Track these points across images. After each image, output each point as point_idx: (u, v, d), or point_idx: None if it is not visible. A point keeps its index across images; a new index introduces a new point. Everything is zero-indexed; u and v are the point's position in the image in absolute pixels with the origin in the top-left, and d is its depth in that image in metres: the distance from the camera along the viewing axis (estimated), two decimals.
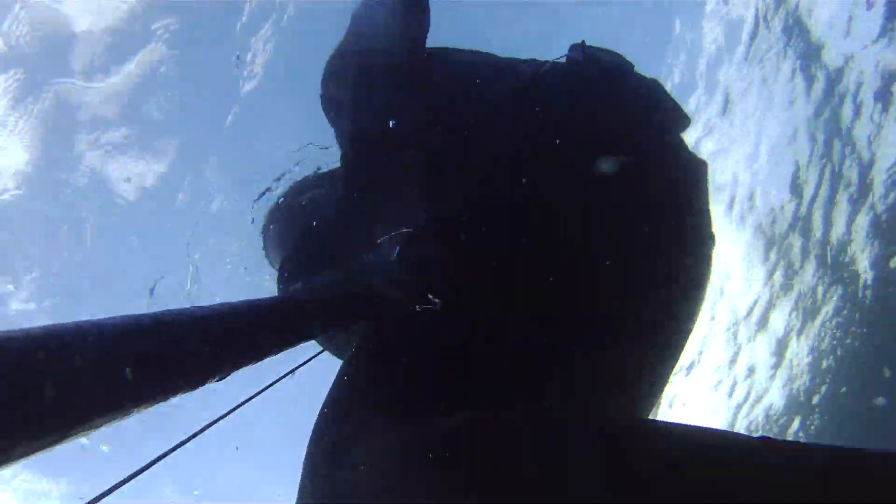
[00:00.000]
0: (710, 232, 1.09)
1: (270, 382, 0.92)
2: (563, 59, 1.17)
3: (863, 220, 7.45)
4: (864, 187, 7.22)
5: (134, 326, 0.54)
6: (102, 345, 0.51)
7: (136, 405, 0.54)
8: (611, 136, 1.04)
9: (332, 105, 1.38)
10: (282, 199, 1.79)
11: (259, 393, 0.85)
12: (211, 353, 0.60)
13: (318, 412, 0.97)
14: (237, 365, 0.65)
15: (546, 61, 1.18)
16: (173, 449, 0.70)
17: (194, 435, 0.73)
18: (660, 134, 1.09)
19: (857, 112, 6.76)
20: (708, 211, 1.10)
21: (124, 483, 0.62)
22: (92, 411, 0.50)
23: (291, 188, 1.83)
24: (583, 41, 1.16)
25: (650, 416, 1.03)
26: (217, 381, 0.65)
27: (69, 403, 0.48)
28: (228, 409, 0.84)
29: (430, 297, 0.92)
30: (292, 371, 0.95)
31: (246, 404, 0.85)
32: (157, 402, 0.56)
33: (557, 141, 1.03)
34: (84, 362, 0.49)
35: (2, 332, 0.45)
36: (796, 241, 7.92)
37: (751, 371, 8.74)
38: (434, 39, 1.28)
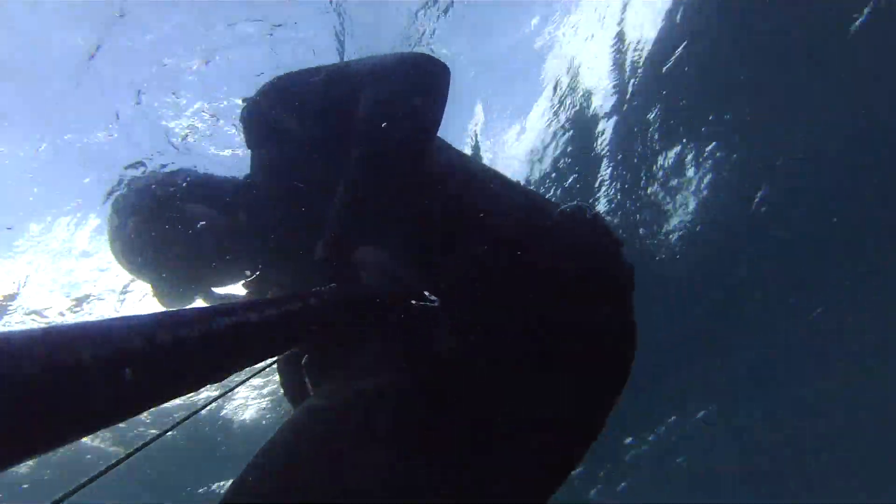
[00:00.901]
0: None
1: (239, 382, 0.90)
2: (574, 209, 1.21)
3: None
4: None
5: (136, 327, 0.53)
6: (103, 345, 0.50)
7: (135, 407, 0.53)
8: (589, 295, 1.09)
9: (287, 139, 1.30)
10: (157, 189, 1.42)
11: (227, 392, 0.84)
12: (213, 356, 0.60)
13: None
14: (236, 367, 0.64)
15: (560, 204, 1.21)
16: (138, 450, 0.69)
17: (160, 434, 0.72)
18: (618, 315, 1.14)
19: None
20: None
21: (89, 483, 0.61)
22: (91, 413, 0.49)
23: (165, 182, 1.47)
24: (595, 209, 1.26)
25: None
26: (214, 382, 0.64)
27: (68, 405, 0.47)
28: (195, 410, 0.82)
29: (426, 293, 0.89)
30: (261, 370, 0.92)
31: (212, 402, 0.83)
32: (157, 405, 0.56)
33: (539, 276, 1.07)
34: (84, 363, 0.48)
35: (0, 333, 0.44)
36: None
37: None
38: None
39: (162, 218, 1.35)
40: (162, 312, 0.57)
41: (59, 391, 0.45)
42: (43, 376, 0.44)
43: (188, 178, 1.43)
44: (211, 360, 0.60)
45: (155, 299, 1.44)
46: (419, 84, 1.17)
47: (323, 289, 0.85)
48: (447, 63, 1.22)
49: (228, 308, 0.63)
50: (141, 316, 0.55)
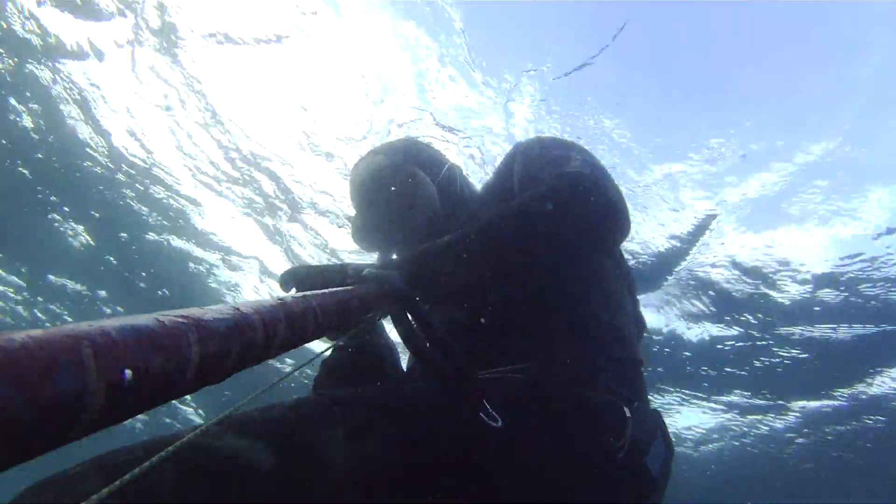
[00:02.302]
0: None
1: (286, 374, 0.90)
2: None
3: None
4: None
5: (136, 329, 0.53)
6: (104, 347, 0.50)
7: (135, 409, 0.53)
8: None
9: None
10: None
11: (274, 384, 0.84)
12: (213, 356, 0.59)
13: None
14: (236, 369, 0.64)
15: None
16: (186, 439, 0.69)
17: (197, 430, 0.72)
18: None
19: None
20: None
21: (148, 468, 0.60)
22: (91, 414, 0.49)
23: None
24: None
25: None
26: (215, 383, 0.64)
27: (69, 406, 0.47)
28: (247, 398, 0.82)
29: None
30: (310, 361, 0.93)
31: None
32: (156, 406, 0.55)
33: None
34: (86, 364, 0.48)
35: (2, 334, 0.44)
36: None
37: None
38: None
39: (404, 176, 1.50)
40: (163, 313, 0.57)
41: (61, 392, 0.45)
42: (44, 377, 0.44)
43: (446, 175, 1.62)
44: (212, 361, 0.59)
45: (352, 235, 1.58)
46: (606, 241, 1.34)
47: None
48: None
49: (233, 307, 0.63)
50: (141, 317, 0.54)
